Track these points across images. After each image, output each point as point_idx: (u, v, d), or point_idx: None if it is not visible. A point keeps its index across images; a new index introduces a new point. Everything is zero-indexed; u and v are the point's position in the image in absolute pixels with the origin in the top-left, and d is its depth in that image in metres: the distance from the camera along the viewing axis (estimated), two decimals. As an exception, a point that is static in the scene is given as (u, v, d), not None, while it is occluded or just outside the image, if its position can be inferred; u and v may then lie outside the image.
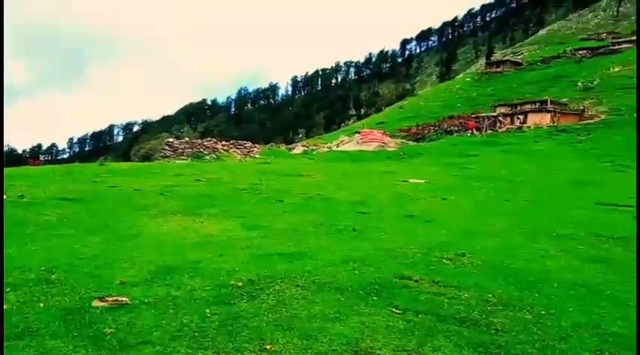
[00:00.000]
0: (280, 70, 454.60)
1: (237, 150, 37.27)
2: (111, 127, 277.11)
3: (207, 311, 6.24)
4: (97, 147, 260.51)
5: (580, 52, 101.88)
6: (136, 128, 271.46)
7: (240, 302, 6.62)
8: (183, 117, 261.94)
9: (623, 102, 62.04)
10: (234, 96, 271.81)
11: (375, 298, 6.99)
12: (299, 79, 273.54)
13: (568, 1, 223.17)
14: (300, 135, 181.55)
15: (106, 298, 6.48)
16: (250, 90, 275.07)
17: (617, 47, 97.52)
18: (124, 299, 6.50)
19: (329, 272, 8.06)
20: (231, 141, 40.96)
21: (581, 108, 63.77)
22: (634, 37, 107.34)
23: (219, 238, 10.36)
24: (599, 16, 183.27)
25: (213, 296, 6.82)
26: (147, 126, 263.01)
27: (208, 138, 42.95)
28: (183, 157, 34.23)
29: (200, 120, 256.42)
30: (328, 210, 14.24)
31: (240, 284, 7.31)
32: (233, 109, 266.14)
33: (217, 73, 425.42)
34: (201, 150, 35.95)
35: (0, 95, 10.19)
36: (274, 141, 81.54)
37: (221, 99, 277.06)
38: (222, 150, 36.46)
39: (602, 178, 27.05)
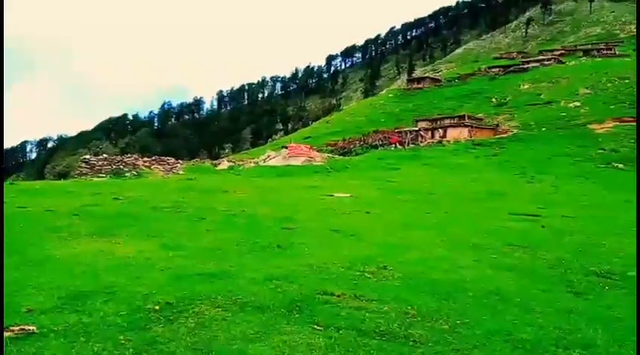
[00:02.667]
0: (206, 84, 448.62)
1: (159, 167, 36.15)
2: (23, 143, 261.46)
3: (121, 337, 5.95)
4: (9, 165, 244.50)
5: (493, 70, 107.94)
6: (50, 144, 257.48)
7: (156, 327, 6.36)
8: (102, 133, 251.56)
9: (533, 117, 66.26)
10: (157, 111, 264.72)
11: (297, 315, 6.95)
12: (225, 94, 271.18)
13: (481, 23, 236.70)
14: (227, 151, 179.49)
15: (11, 327, 6.03)
16: (174, 104, 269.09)
17: (526, 66, 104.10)
18: (30, 327, 6.08)
19: (251, 290, 7.93)
20: (154, 157, 39.71)
21: (496, 123, 67.41)
22: (541, 57, 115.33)
23: (137, 260, 9.93)
24: (509, 37, 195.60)
25: (128, 321, 6.51)
26: (63, 141, 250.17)
27: (129, 155, 41.40)
28: (101, 175, 32.75)
29: (120, 135, 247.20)
30: (252, 226, 14.07)
31: (157, 307, 7.03)
32: (156, 124, 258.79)
33: (139, 87, 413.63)
34: (121, 167, 34.57)
35: (0, 95, 10.33)
36: (199, 156, 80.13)
37: (143, 114, 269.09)
38: (143, 167, 35.22)
39: (514, 189, 28.62)
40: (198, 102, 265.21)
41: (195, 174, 35.60)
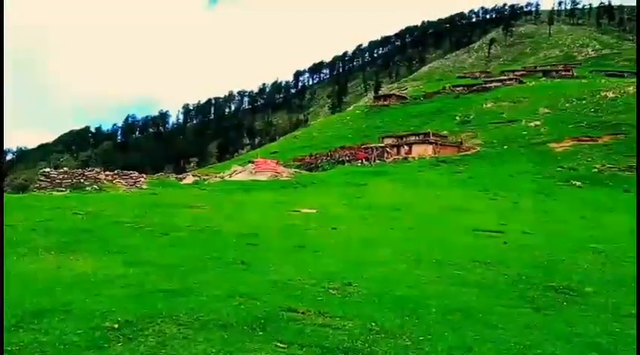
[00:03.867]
0: (171, 98, 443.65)
1: (122, 181, 35.35)
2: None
3: (78, 357, 5.76)
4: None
5: (457, 89, 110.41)
6: (9, 157, 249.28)
7: (115, 346, 6.20)
8: (64, 146, 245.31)
9: (495, 135, 67.89)
10: (120, 124, 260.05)
11: (260, 333, 6.87)
12: (191, 107, 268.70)
13: (446, 42, 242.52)
14: (192, 165, 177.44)
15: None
16: (139, 117, 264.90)
17: (488, 85, 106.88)
18: (-20, 349, 5.82)
19: (214, 308, 7.80)
20: (116, 171, 38.83)
21: (459, 140, 68.77)
22: (503, 77, 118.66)
23: (96, 276, 9.68)
24: (473, 57, 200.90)
25: (86, 340, 6.33)
26: (22, 154, 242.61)
27: (90, 168, 40.35)
28: (61, 188, 31.81)
29: (82, 148, 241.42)
30: (217, 242, 13.89)
31: (116, 325, 6.85)
32: (119, 137, 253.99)
33: (102, 100, 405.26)
34: (82, 180, 33.64)
35: (0, 95, 10.23)
36: (164, 170, 78.93)
37: (106, 127, 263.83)
38: (105, 181, 34.38)
39: (477, 206, 29.12)
40: (163, 116, 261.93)
41: (159, 188, 35.00)
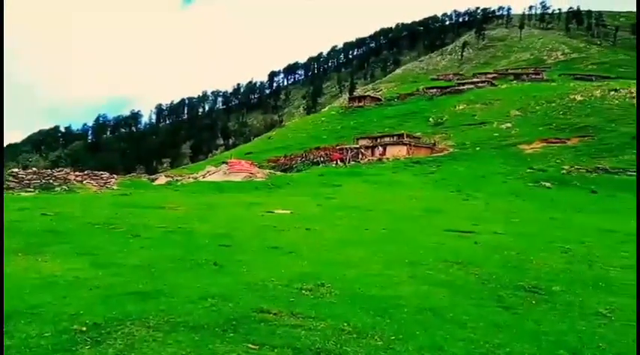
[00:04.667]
0: (144, 98, 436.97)
1: (92, 182, 34.67)
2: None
3: (44, 361, 5.63)
4: None
5: (431, 91, 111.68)
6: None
7: (82, 349, 6.09)
8: (32, 146, 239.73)
9: (468, 137, 68.88)
10: (91, 124, 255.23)
11: (231, 334, 6.81)
12: (164, 108, 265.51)
13: (420, 45, 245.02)
14: (165, 165, 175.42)
15: None
16: (110, 117, 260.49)
17: (461, 88, 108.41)
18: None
19: (185, 310, 7.72)
20: (86, 172, 38.06)
21: (433, 141, 69.54)
22: (475, 79, 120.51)
23: (65, 278, 9.49)
24: (446, 59, 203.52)
25: (53, 343, 6.20)
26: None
27: (60, 168, 39.50)
28: (29, 189, 31.04)
29: (52, 148, 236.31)
30: (189, 243, 13.75)
31: (84, 328, 6.73)
32: (90, 137, 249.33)
33: (73, 99, 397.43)
34: (51, 181, 32.90)
35: (0, 95, 10.25)
36: (136, 171, 77.74)
37: (76, 127, 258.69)
38: (75, 182, 33.68)
39: (450, 207, 29.48)
40: (135, 116, 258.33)
41: (130, 189, 34.47)
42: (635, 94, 72.17)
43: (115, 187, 35.16)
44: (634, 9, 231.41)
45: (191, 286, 9.15)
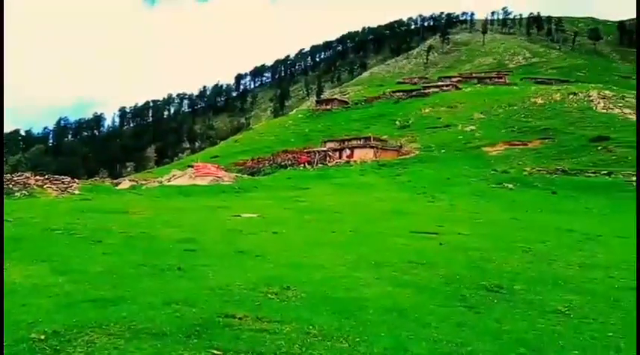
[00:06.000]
0: (107, 101, 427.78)
1: (53, 186, 33.74)
2: None
3: (-2, 373, 5.44)
4: None
5: (397, 94, 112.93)
6: None
7: (40, 359, 5.91)
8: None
9: (433, 139, 69.91)
10: (52, 127, 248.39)
11: (195, 340, 6.73)
12: (128, 110, 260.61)
13: (386, 48, 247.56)
14: (129, 169, 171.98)
15: None
16: (72, 120, 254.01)
17: (427, 91, 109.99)
18: None
19: (147, 316, 7.58)
20: (47, 176, 37.03)
21: (399, 144, 70.29)
22: (440, 83, 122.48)
23: (23, 286, 9.22)
24: (412, 63, 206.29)
25: (10, 352, 6.06)
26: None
27: (20, 173, 38.36)
28: (-14, 195, 30.02)
29: (11, 152, 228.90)
30: (152, 249, 13.51)
31: (42, 337, 6.55)
32: (51, 141, 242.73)
33: (34, 101, 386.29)
34: (11, 186, 31.86)
35: (0, 95, 10.33)
36: (99, 175, 76.09)
37: (37, 130, 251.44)
38: (35, 186, 32.71)
39: (416, 208, 29.82)
40: (98, 119, 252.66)
41: (92, 194, 33.70)
42: (592, 98, 74.66)
43: (76, 192, 34.31)
44: (592, 14, 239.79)
45: (154, 292, 9.00)
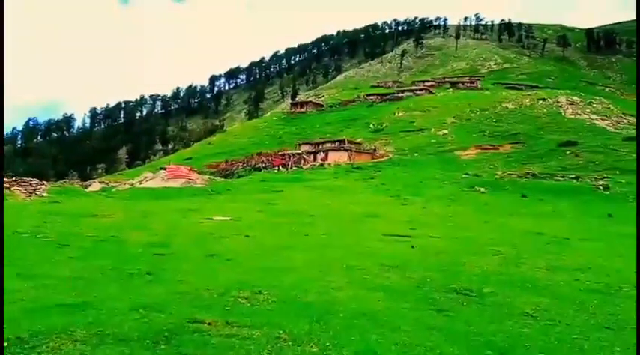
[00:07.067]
0: (78, 101, 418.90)
1: (20, 189, 32.85)
2: None
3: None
4: None
5: (371, 98, 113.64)
6: None
7: (2, 367, 5.74)
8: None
9: (406, 143, 70.51)
10: (20, 128, 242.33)
11: (163, 346, 6.64)
12: (99, 111, 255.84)
13: (361, 52, 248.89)
14: (100, 171, 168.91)
15: None
16: (41, 121, 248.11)
17: (400, 95, 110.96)
18: None
19: (114, 322, 7.45)
20: (14, 178, 36.07)
21: (373, 147, 70.68)
22: (414, 87, 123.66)
23: (-14, 292, 8.93)
24: (386, 67, 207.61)
25: (-32, 363, 5.83)
26: None
27: (-15, 175, 37.28)
28: (-51, 197, 29.09)
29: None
30: (122, 253, 13.30)
31: (6, 343, 6.40)
32: (20, 142, 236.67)
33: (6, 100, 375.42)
34: (-25, 188, 30.99)
35: (0, 95, 10.35)
36: (68, 177, 74.49)
37: (5, 131, 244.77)
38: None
39: (389, 211, 30.00)
40: (68, 120, 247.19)
41: (61, 196, 32.97)
42: (561, 103, 76.39)
43: (45, 194, 33.52)
44: (561, 22, 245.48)
45: (122, 297, 8.85)
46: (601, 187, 41.20)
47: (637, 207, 17.77)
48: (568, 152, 54.35)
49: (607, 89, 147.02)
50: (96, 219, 20.81)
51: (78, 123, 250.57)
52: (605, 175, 44.55)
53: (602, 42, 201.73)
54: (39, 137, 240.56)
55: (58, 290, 9.25)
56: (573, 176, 45.58)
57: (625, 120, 69.04)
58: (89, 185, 44.62)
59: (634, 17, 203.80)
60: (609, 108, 76.68)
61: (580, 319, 9.11)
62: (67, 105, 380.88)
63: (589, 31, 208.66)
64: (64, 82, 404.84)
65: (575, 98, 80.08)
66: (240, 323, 7.71)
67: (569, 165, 50.12)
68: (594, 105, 76.63)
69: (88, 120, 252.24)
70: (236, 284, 10.26)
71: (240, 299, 9.13)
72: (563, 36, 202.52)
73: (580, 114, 70.31)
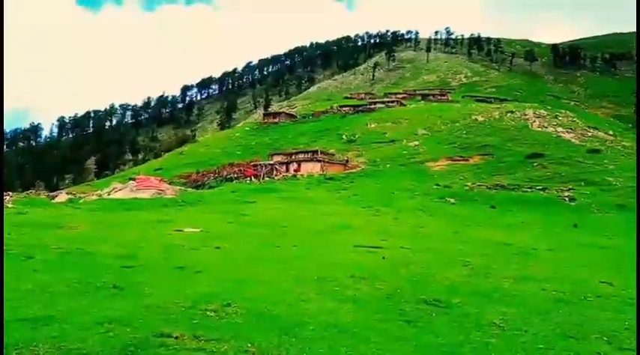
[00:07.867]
0: (45, 110, 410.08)
1: (-17, 199, 32.01)
2: None
3: None
4: None
5: (344, 109, 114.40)
6: None
7: (-43, 386, 5.54)
8: None
9: (378, 154, 71.09)
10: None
11: (128, 362, 6.50)
12: (67, 120, 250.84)
13: (333, 64, 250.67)
14: (68, 182, 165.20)
15: None
16: (7, 130, 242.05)
17: (373, 106, 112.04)
18: None
19: (79, 336, 7.29)
20: (-23, 189, 35.13)
21: (346, 158, 71.05)
22: (386, 99, 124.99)
23: (-58, 307, 8.62)
24: (359, 79, 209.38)
25: None
26: None
27: (-55, 185, 36.22)
28: None
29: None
30: (88, 265, 13.00)
31: (-38, 362, 6.16)
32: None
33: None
34: None
35: (0, 95, 10.53)
36: (35, 188, 72.76)
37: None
38: (-37, 199, 30.95)
39: (361, 222, 30.13)
40: (35, 129, 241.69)
41: (27, 207, 32.13)
42: (528, 116, 78.20)
43: (10, 205, 32.65)
44: (528, 37, 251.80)
45: (87, 311, 8.66)
46: (567, 198, 42.25)
47: (637, 216, 18.30)
48: (535, 164, 55.66)
49: (572, 103, 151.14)
50: (62, 231, 20.33)
51: (45, 133, 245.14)
52: (570, 187, 45.75)
53: (567, 57, 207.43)
54: (5, 146, 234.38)
55: (21, 304, 8.99)
56: (540, 187, 46.65)
57: (589, 133, 71.15)
58: (56, 196, 43.66)
59: (597, 33, 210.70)
60: (574, 121, 78.89)
61: (546, 328, 9.29)
62: (35, 114, 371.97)
63: (554, 47, 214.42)
64: (32, 91, 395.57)
65: (541, 111, 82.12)
66: (208, 337, 7.62)
67: (537, 176, 51.32)
68: (560, 118, 78.73)
69: (55, 130, 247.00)
70: (205, 297, 10.14)
71: (208, 312, 9.02)
72: (531, 51, 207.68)
73: (547, 127, 72.10)
